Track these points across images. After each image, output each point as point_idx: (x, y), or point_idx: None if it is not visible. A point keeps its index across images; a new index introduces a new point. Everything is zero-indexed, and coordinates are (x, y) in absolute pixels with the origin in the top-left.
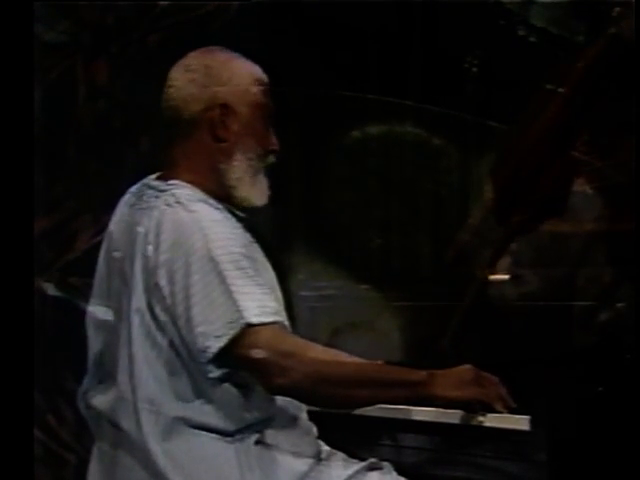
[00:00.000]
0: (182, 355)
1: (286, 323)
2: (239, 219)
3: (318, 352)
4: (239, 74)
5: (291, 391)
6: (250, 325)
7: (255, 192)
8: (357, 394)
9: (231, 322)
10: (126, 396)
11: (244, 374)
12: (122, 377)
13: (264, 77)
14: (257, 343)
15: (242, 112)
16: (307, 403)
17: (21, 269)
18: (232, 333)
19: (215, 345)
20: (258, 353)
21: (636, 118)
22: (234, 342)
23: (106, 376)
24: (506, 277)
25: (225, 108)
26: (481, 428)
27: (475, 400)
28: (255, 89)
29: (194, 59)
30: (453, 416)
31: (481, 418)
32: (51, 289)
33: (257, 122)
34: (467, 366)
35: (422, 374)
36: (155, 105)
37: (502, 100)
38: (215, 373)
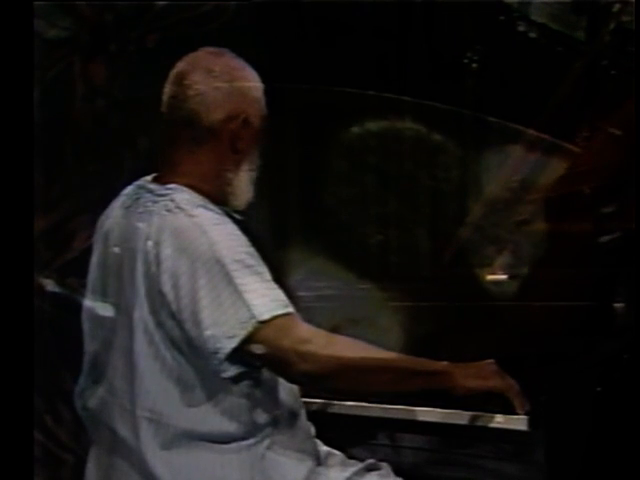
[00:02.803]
0: (190, 360)
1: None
2: (236, 222)
3: (337, 338)
4: (254, 85)
5: (314, 377)
6: (263, 322)
7: (246, 198)
8: (379, 380)
9: (243, 322)
10: (124, 403)
11: (255, 375)
12: (121, 384)
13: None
14: (273, 335)
15: (255, 124)
16: (329, 389)
17: (21, 269)
18: (244, 333)
19: (227, 346)
20: (276, 345)
21: (636, 118)
22: (249, 340)
23: (101, 377)
24: (506, 277)
25: (245, 120)
26: (481, 428)
27: (496, 390)
28: (263, 101)
29: (215, 64)
30: (452, 416)
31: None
32: (50, 285)
33: (263, 133)
34: (489, 360)
35: (443, 364)
36: (154, 105)
37: (502, 96)
38: (228, 373)
